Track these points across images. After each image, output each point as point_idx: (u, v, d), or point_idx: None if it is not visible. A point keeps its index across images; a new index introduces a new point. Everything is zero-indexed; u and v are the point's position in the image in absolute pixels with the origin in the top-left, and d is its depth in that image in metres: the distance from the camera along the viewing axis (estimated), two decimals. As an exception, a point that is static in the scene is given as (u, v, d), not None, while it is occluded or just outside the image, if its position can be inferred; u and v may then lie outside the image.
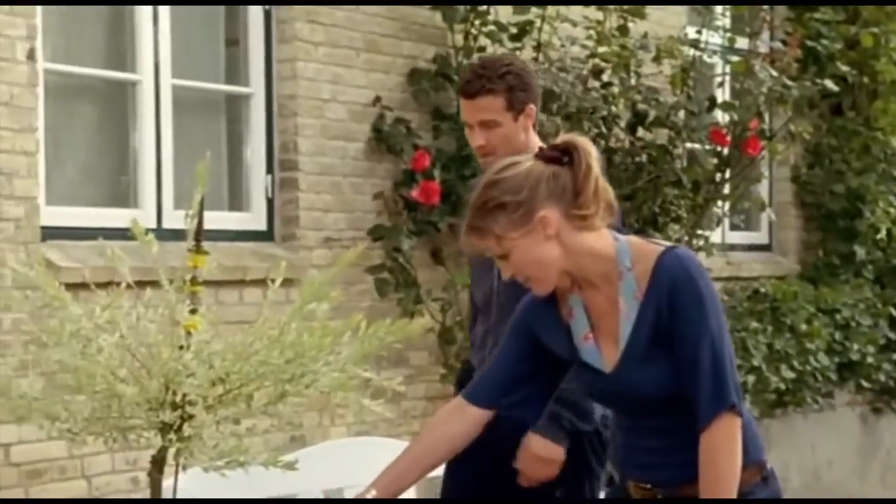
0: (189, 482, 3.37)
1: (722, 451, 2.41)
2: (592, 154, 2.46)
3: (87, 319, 2.43)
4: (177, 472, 2.49)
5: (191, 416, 2.44)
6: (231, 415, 2.49)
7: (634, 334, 2.45)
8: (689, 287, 2.41)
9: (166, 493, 2.60)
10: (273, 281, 2.62)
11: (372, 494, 2.52)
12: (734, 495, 2.42)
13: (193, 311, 2.53)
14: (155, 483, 2.51)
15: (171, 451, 2.47)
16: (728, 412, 2.41)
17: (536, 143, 3.24)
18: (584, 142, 2.48)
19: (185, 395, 2.44)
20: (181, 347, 2.48)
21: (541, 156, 2.48)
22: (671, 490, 2.50)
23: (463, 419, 2.60)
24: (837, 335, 7.25)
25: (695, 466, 2.44)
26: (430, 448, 2.60)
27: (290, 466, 2.49)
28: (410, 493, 3.22)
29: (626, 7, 5.73)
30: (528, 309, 2.61)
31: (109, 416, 2.48)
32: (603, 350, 2.51)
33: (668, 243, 2.52)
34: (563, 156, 2.46)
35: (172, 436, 2.43)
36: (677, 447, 2.46)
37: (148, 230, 2.60)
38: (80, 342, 2.39)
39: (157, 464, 2.50)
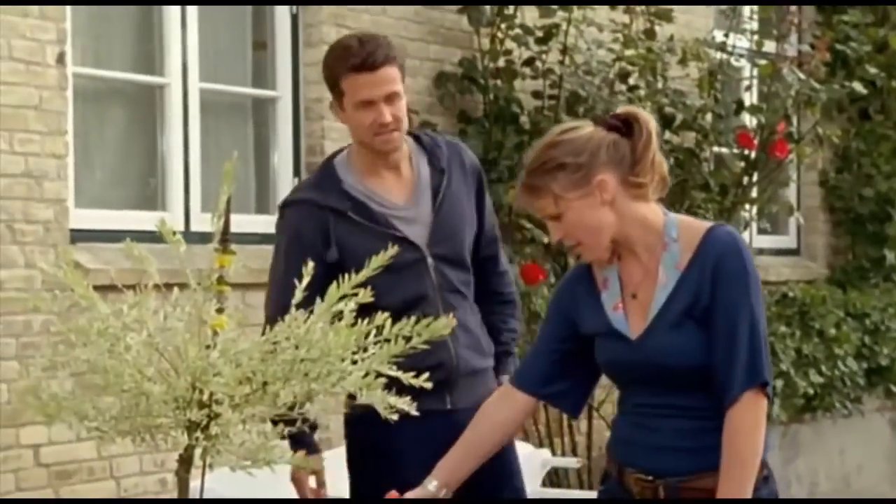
0: (216, 483, 3.39)
1: (748, 427, 2.40)
2: (653, 126, 2.51)
3: (115, 318, 2.45)
4: (203, 471, 2.50)
5: (217, 415, 2.45)
6: (258, 413, 2.50)
7: (668, 303, 2.47)
8: (736, 260, 2.45)
9: (193, 494, 2.61)
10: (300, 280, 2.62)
11: (434, 486, 2.57)
12: (754, 476, 2.41)
13: (220, 311, 2.54)
14: (182, 482, 2.51)
15: (198, 451, 2.48)
16: (760, 390, 2.41)
17: None
18: (645, 114, 2.53)
19: (211, 394, 2.45)
20: (208, 347, 2.50)
21: (601, 123, 2.53)
22: (676, 481, 2.46)
23: (512, 406, 2.64)
24: (866, 340, 7.21)
25: (708, 456, 2.42)
26: (485, 435, 2.64)
27: (316, 465, 2.49)
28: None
29: (652, 10, 5.73)
30: (564, 289, 2.65)
31: (137, 414, 2.49)
32: (630, 319, 2.53)
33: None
34: (623, 125, 2.50)
35: (199, 434, 2.44)
36: (693, 432, 2.46)
37: (175, 232, 2.61)
38: (108, 340, 2.40)
39: (185, 462, 2.51)
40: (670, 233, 2.50)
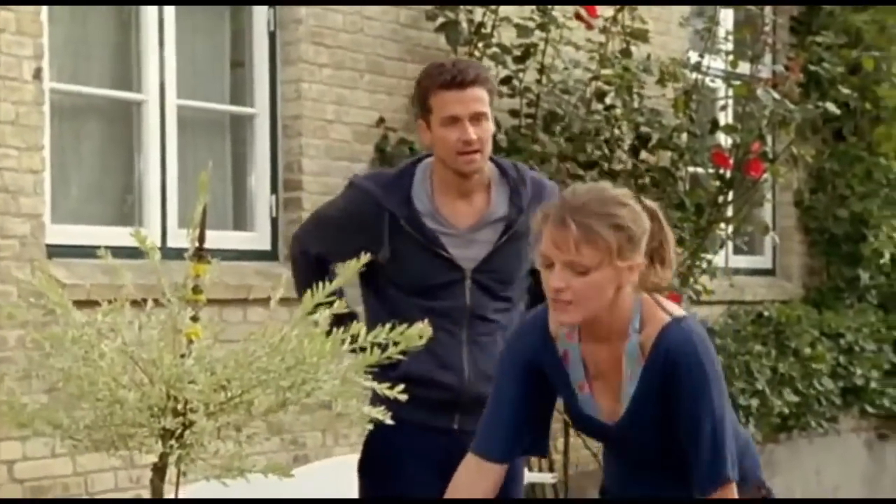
0: (191, 496, 3.39)
1: None
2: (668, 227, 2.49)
3: (90, 327, 2.45)
4: (178, 479, 2.50)
5: (192, 423, 2.45)
6: (232, 422, 2.50)
7: (638, 395, 2.44)
8: (692, 365, 2.40)
9: (168, 505, 2.61)
10: (277, 297, 2.62)
11: None
12: None
13: (195, 319, 2.54)
14: (156, 490, 2.51)
15: (173, 459, 2.48)
16: (724, 485, 2.42)
17: None
18: (659, 211, 2.50)
19: (186, 402, 2.45)
20: (182, 356, 2.50)
21: (643, 206, 2.46)
22: None
23: (484, 478, 2.55)
24: (841, 359, 7.25)
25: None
26: None
27: (287, 473, 2.49)
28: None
29: (628, 30, 5.77)
30: (525, 347, 2.56)
31: (112, 423, 2.49)
32: (600, 401, 2.50)
33: (676, 311, 2.47)
34: (650, 217, 2.46)
35: (174, 442, 2.44)
36: (675, 487, 2.48)
37: (147, 238, 2.61)
38: (83, 348, 2.40)
39: (159, 471, 2.51)
40: (634, 323, 2.45)
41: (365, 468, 3.22)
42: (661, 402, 2.43)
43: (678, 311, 2.49)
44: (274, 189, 5.08)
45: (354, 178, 3.31)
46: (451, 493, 2.61)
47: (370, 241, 3.08)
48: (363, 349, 2.50)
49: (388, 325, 2.43)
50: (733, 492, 2.43)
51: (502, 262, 3.17)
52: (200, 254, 2.60)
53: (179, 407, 2.46)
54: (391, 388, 2.43)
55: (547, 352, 2.52)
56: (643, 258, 2.42)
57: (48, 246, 4.32)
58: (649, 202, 2.52)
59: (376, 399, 2.47)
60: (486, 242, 3.16)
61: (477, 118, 3.09)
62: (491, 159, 3.22)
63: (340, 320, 2.51)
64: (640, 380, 2.43)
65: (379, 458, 3.17)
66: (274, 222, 5.07)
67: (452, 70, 3.11)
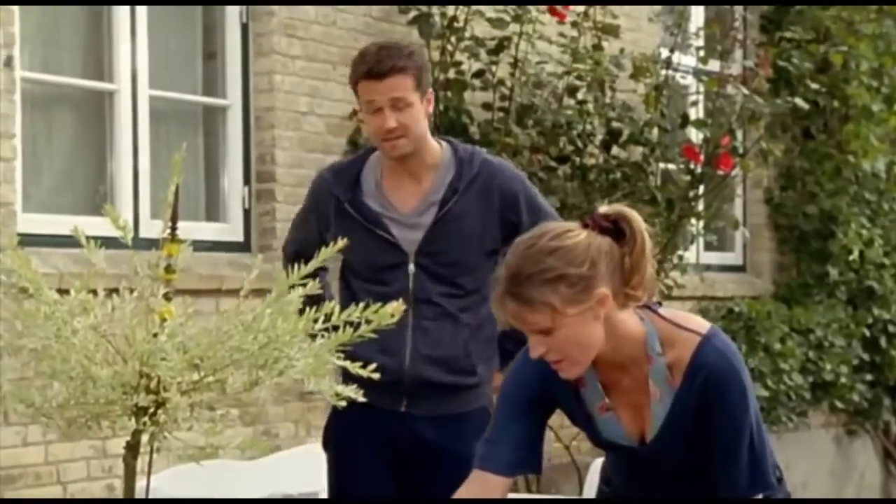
0: (163, 483, 3.38)
1: None
2: (645, 230, 2.32)
3: (62, 305, 2.45)
4: (150, 458, 2.50)
5: (165, 401, 2.45)
6: (206, 399, 2.50)
7: (672, 416, 2.37)
8: (733, 382, 2.32)
9: (140, 492, 2.60)
10: (247, 288, 2.62)
11: None
12: None
13: (168, 299, 2.54)
14: (129, 468, 2.51)
15: (146, 436, 2.48)
16: (764, 494, 2.38)
17: (432, 139, 3.22)
18: (636, 216, 2.34)
19: (159, 380, 2.45)
20: (155, 335, 2.50)
21: (595, 226, 2.32)
22: None
23: (497, 489, 2.46)
24: (811, 354, 7.30)
25: None
26: None
27: (266, 451, 2.50)
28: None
29: (600, 25, 5.80)
30: (533, 375, 2.44)
31: (85, 401, 2.49)
32: (625, 421, 2.43)
33: (699, 327, 2.37)
34: (614, 228, 2.31)
35: (147, 419, 2.44)
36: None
37: (120, 217, 2.62)
38: (55, 325, 2.40)
39: (132, 448, 2.51)
40: (653, 346, 2.34)
41: (326, 443, 3.35)
42: (697, 421, 2.35)
43: (700, 324, 2.39)
44: (247, 181, 5.08)
45: (319, 170, 3.48)
46: None
47: (324, 226, 3.23)
48: (335, 328, 2.51)
49: (361, 305, 2.44)
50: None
51: (444, 244, 3.19)
52: (173, 233, 2.61)
53: (152, 385, 2.46)
54: (363, 367, 2.44)
55: (559, 378, 2.41)
56: (606, 285, 2.28)
57: (19, 235, 4.30)
58: (613, 208, 2.37)
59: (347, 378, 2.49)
60: (426, 225, 3.20)
61: (397, 105, 3.13)
62: (448, 141, 3.28)
63: (313, 301, 2.53)
64: (674, 401, 2.36)
65: (334, 434, 3.31)
66: (247, 214, 5.07)
67: (370, 61, 3.17)
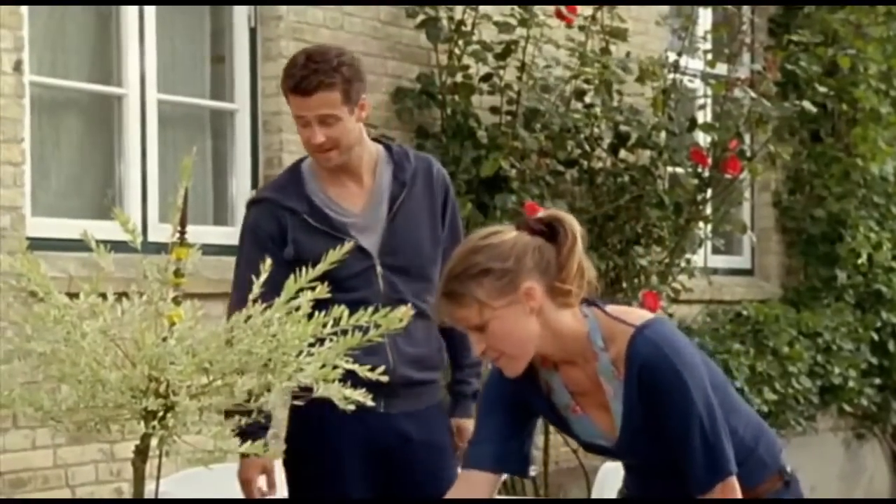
0: (171, 487, 3.39)
1: None
2: (577, 230, 2.41)
3: (72, 308, 2.45)
4: (160, 460, 2.50)
5: (174, 405, 2.45)
6: (215, 404, 2.50)
7: (627, 411, 2.41)
8: (666, 371, 2.35)
9: (149, 496, 2.61)
10: (256, 291, 2.61)
11: None
12: None
13: (177, 302, 2.55)
14: (138, 472, 2.51)
15: (155, 440, 2.48)
16: (725, 479, 2.38)
17: (368, 140, 3.22)
18: (570, 218, 2.44)
19: (168, 384, 2.45)
20: (164, 339, 2.50)
21: (525, 227, 2.43)
22: None
23: (483, 486, 2.51)
24: (819, 358, 7.30)
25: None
26: None
27: (276, 455, 2.50)
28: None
29: (608, 28, 5.80)
30: (503, 385, 2.52)
31: (94, 405, 2.49)
32: (596, 420, 2.48)
33: (637, 319, 2.42)
34: (547, 229, 2.41)
35: (156, 423, 2.44)
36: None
37: (129, 220, 2.62)
38: (65, 328, 2.41)
39: (141, 452, 2.51)
40: (596, 342, 2.41)
41: (292, 439, 3.25)
42: (649, 413, 2.40)
43: (640, 317, 2.43)
44: (255, 184, 5.08)
45: (248, 200, 3.38)
46: None
47: (278, 244, 3.14)
48: (344, 332, 2.52)
49: (370, 309, 2.44)
50: (735, 486, 2.39)
51: (402, 240, 3.19)
52: (182, 237, 2.61)
53: (161, 388, 2.46)
54: (371, 370, 2.44)
55: (530, 385, 2.50)
56: (535, 280, 2.37)
57: (28, 239, 4.31)
58: (548, 211, 2.49)
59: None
60: (380, 225, 3.20)
61: (325, 121, 3.10)
62: (379, 141, 3.29)
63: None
64: (623, 396, 2.41)
65: (308, 433, 3.20)
66: (254, 217, 5.07)
67: (297, 75, 3.11)
